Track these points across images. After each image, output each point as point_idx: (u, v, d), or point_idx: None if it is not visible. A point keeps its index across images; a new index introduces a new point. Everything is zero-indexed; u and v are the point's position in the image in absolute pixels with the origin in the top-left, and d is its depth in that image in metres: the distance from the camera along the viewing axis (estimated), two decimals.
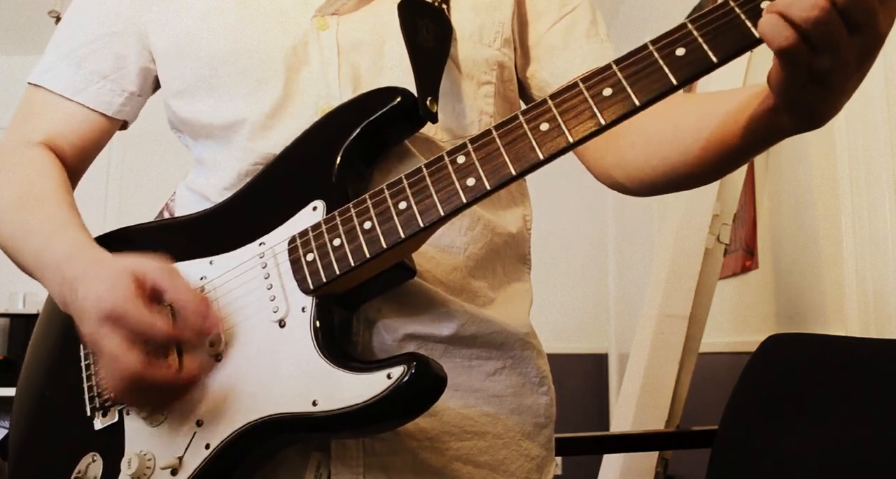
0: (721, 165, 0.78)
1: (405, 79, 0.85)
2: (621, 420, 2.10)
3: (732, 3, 0.62)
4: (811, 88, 0.61)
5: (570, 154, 0.74)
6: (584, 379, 4.03)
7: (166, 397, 0.77)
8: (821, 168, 1.81)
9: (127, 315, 0.71)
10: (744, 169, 2.12)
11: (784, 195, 2.04)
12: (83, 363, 0.87)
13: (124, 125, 1.00)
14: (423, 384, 0.70)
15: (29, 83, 0.98)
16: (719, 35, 0.62)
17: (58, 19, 3.02)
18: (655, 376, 2.03)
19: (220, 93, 0.89)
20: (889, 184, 1.58)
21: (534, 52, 0.97)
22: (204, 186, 0.92)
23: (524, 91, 0.99)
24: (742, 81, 1.93)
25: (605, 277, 4.06)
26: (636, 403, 2.03)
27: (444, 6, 0.89)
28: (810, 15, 0.56)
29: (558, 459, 3.75)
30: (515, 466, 0.87)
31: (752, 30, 0.61)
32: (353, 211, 0.76)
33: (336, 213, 0.77)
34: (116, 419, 0.82)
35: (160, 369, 0.73)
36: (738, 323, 2.34)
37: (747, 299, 2.27)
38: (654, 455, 2.07)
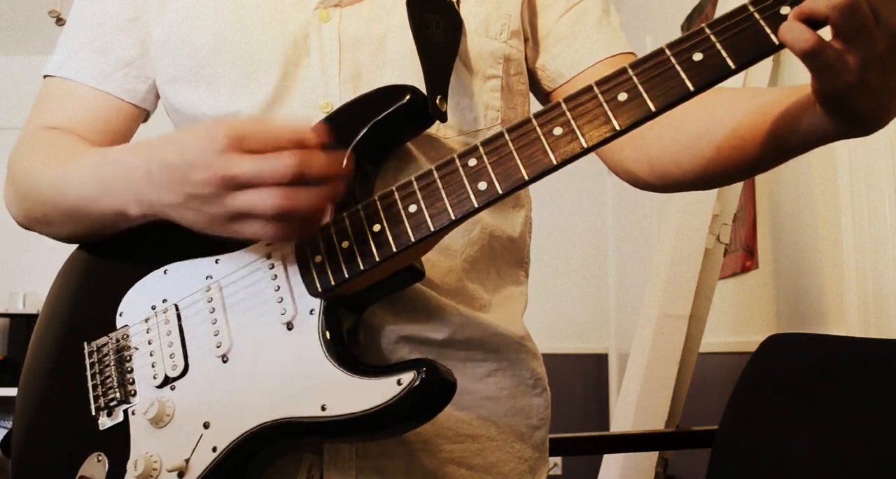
0: (756, 164, 0.77)
1: (406, 73, 0.84)
2: (621, 420, 2.10)
3: (752, 9, 0.61)
4: (850, 91, 0.60)
5: None
6: (584, 379, 4.02)
7: (313, 216, 0.70)
8: (821, 168, 1.81)
9: (250, 131, 0.65)
10: None
11: (784, 195, 2.04)
12: (87, 362, 0.86)
13: (146, 117, 0.97)
14: (433, 390, 0.70)
15: (46, 76, 0.95)
16: (738, 41, 0.62)
17: (58, 19, 3.01)
18: (655, 376, 2.03)
19: (213, 83, 0.87)
20: (889, 184, 1.57)
21: (543, 43, 0.94)
22: None
23: (534, 83, 0.97)
24: (742, 83, 1.92)
25: (605, 277, 4.05)
26: (636, 403, 2.03)
27: (455, 0, 0.86)
28: (839, 1, 0.56)
29: (558, 459, 3.76)
30: (508, 468, 0.86)
31: (772, 36, 0.60)
32: (362, 213, 0.74)
33: (345, 214, 0.75)
34: (122, 419, 0.81)
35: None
36: (738, 323, 2.33)
37: (747, 299, 2.27)
38: (654, 455, 2.06)
